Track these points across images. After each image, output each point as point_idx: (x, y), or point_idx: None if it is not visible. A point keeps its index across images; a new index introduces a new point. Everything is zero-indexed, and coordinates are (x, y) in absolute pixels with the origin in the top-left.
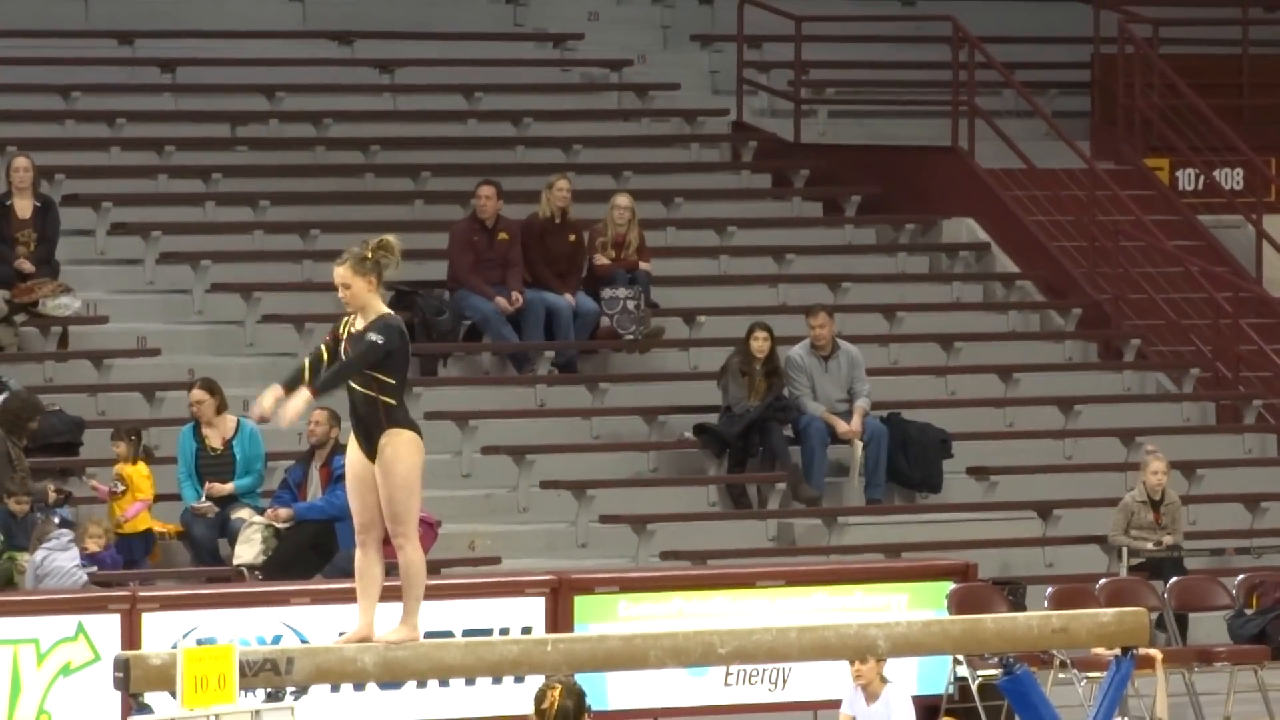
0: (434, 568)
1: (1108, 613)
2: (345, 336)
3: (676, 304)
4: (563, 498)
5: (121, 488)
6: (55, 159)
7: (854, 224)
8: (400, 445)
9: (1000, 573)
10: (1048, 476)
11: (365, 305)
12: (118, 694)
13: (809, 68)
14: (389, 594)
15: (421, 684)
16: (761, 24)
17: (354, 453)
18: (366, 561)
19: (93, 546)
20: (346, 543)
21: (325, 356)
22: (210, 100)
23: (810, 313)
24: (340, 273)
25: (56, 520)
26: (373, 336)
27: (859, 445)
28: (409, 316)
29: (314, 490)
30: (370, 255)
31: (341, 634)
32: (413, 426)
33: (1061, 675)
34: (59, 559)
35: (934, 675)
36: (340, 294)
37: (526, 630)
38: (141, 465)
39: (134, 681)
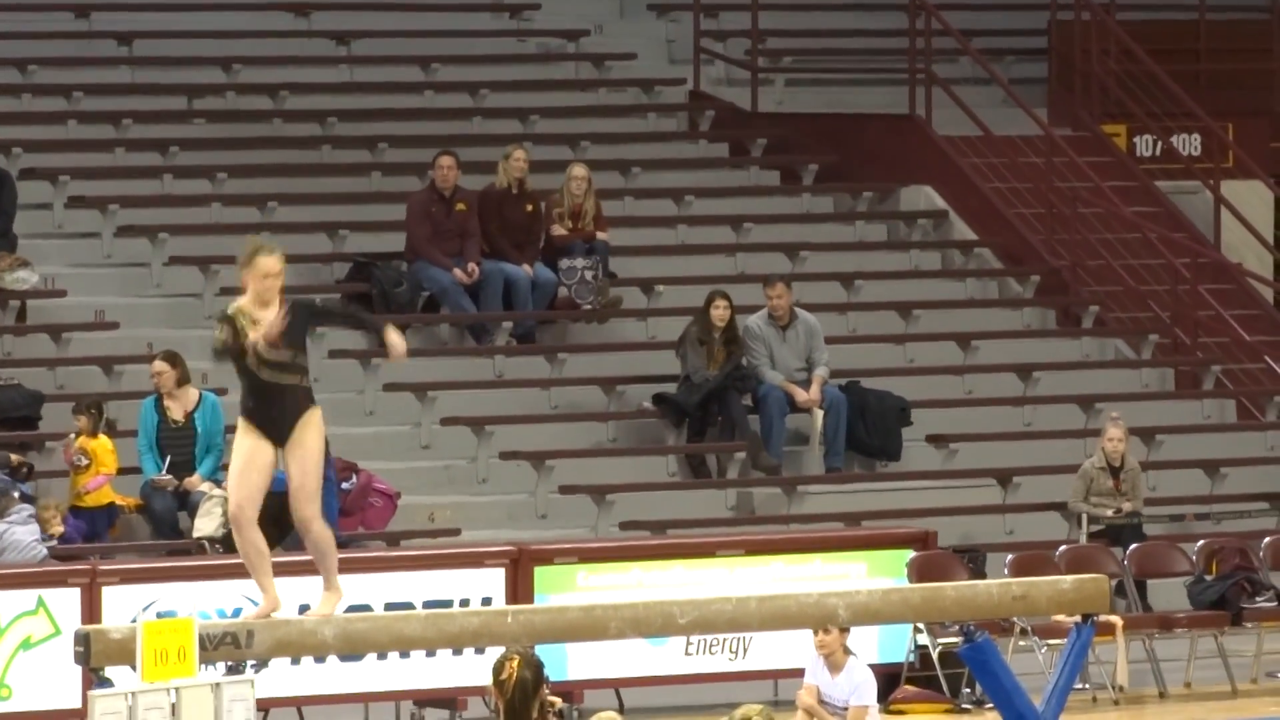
0: (393, 539)
1: (1068, 580)
2: (251, 331)
3: (634, 274)
4: (522, 468)
5: (85, 461)
6: (12, 132)
7: (811, 192)
8: (314, 425)
9: (960, 540)
10: (1007, 444)
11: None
12: (78, 668)
13: (766, 36)
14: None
15: (382, 656)
16: None
17: (253, 437)
18: (251, 537)
19: (55, 529)
20: None
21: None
22: (167, 73)
23: (768, 283)
24: (277, 262)
25: (17, 494)
26: (303, 301)
27: (818, 414)
28: (367, 288)
29: None
30: None
31: (295, 611)
32: (316, 401)
33: (1022, 643)
34: (19, 532)
35: (894, 644)
36: (274, 283)
37: (486, 601)
38: (104, 439)
39: (94, 655)
